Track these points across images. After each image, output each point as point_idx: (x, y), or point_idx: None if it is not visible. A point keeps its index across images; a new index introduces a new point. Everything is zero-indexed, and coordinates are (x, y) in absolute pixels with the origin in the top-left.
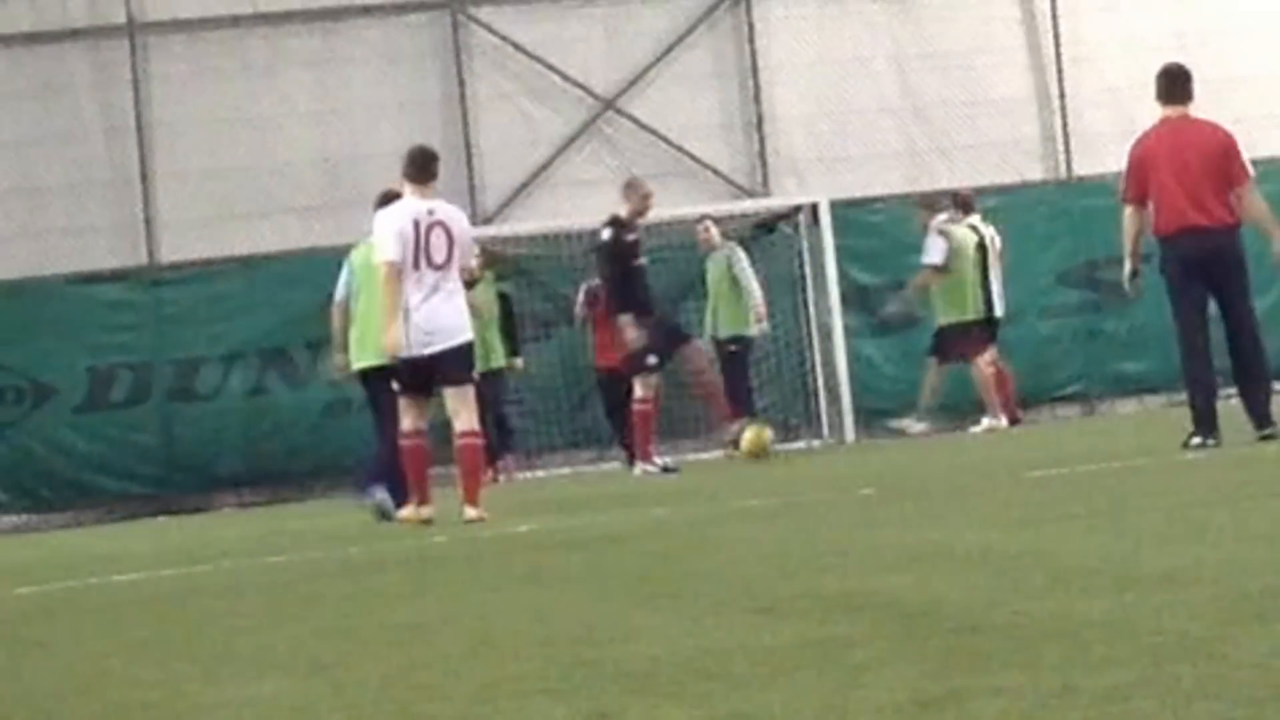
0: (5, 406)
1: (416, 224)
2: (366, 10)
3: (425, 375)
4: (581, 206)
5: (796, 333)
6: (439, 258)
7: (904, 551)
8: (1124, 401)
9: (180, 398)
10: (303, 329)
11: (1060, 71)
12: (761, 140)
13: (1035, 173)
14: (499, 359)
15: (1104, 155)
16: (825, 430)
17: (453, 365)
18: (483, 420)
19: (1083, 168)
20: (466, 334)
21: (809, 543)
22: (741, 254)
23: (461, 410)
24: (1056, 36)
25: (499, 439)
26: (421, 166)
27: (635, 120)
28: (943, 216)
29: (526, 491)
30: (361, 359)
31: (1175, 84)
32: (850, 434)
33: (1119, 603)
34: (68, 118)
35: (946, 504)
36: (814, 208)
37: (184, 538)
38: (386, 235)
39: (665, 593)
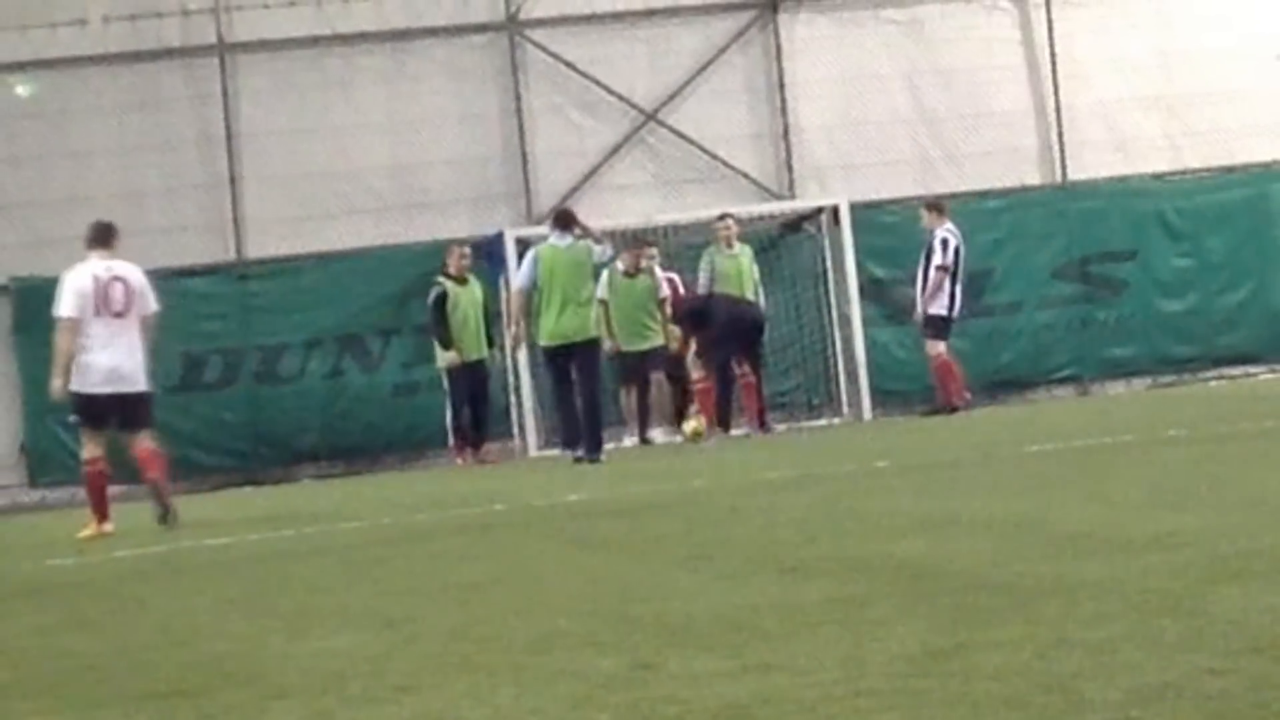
0: None
1: (96, 279)
2: (432, 31)
3: (103, 411)
4: (626, 208)
5: (819, 321)
6: (118, 306)
7: (915, 518)
8: (1113, 384)
9: (265, 380)
10: (376, 318)
11: (1056, 87)
12: (788, 148)
13: (1033, 178)
14: (482, 350)
15: (1095, 162)
16: (844, 409)
17: (133, 411)
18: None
19: (1076, 174)
20: (143, 384)
21: (830, 510)
22: (749, 254)
23: (141, 441)
24: (1053, 55)
25: (480, 425)
26: (102, 235)
27: (674, 130)
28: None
29: (570, 464)
30: (541, 340)
31: None
32: (867, 412)
33: (1109, 564)
34: (164, 128)
35: (954, 476)
36: (835, 209)
37: (268, 506)
38: (66, 294)
39: (700, 555)
